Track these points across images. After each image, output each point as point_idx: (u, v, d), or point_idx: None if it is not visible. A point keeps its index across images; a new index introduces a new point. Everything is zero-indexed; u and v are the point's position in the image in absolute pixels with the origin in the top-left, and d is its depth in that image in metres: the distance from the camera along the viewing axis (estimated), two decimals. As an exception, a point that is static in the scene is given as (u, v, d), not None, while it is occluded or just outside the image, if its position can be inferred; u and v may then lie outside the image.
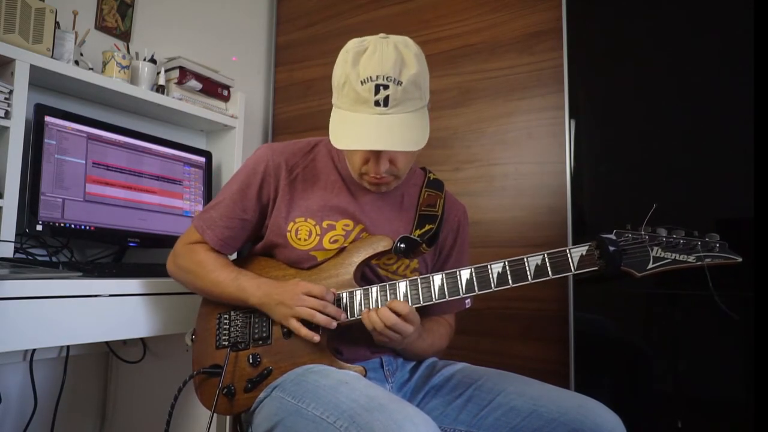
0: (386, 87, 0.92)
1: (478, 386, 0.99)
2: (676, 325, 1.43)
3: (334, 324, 0.98)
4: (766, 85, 1.31)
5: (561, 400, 0.91)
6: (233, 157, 1.96)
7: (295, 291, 0.99)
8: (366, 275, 1.08)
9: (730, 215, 1.38)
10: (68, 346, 1.57)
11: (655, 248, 0.88)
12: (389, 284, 1.00)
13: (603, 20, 1.60)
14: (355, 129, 0.94)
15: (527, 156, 1.70)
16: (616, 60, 1.56)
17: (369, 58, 0.94)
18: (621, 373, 1.54)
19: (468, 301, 1.16)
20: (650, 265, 0.88)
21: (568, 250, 0.90)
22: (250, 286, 1.04)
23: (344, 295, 1.01)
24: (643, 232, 0.89)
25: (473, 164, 1.79)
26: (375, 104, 0.93)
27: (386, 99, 0.93)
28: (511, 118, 1.73)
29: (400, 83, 0.93)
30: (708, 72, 1.44)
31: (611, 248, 0.87)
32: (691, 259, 0.86)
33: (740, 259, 0.86)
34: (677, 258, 0.87)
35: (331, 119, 0.99)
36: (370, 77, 0.93)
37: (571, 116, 1.62)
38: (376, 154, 0.98)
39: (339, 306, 1.01)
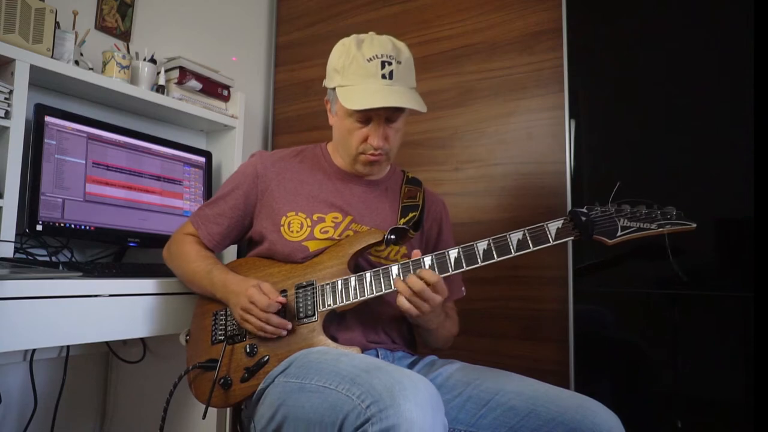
0: (390, 63, 1.06)
1: (476, 386, 1.00)
2: (676, 325, 1.43)
3: (283, 332, 1.03)
4: (766, 85, 1.31)
5: (560, 400, 0.91)
6: (233, 157, 1.96)
7: (243, 297, 1.02)
8: (358, 263, 1.13)
9: (730, 215, 1.38)
10: (68, 346, 1.57)
11: (622, 219, 0.97)
12: (382, 269, 1.04)
13: (603, 20, 1.60)
14: (368, 94, 1.05)
15: (527, 156, 1.70)
16: (616, 60, 1.56)
17: (370, 42, 1.09)
18: (621, 373, 1.54)
19: (463, 288, 1.25)
20: (619, 233, 0.97)
21: (545, 225, 1.00)
22: (218, 281, 1.10)
23: (339, 282, 1.06)
24: (610, 206, 0.99)
25: (473, 164, 1.79)
26: (382, 77, 1.06)
27: (391, 73, 1.06)
28: (511, 118, 1.73)
29: (399, 62, 1.08)
30: (708, 72, 1.44)
31: (583, 218, 0.97)
32: (653, 226, 0.96)
33: (695, 225, 0.95)
34: (641, 226, 0.96)
35: (339, 95, 1.08)
36: (376, 55, 1.07)
37: (571, 116, 1.62)
38: (376, 129, 1.08)
39: (335, 291, 1.05)
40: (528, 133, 1.71)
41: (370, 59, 1.06)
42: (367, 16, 2.06)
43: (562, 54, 1.64)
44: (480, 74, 1.80)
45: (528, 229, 1.00)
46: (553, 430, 0.88)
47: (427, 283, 0.97)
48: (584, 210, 0.99)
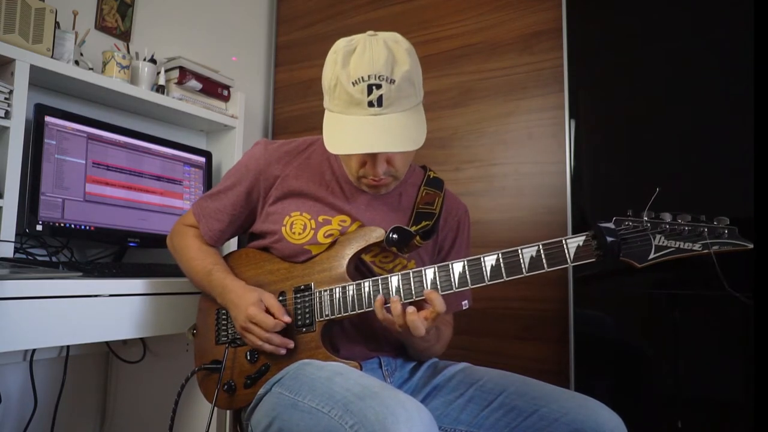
0: (379, 86, 0.90)
1: (479, 386, 0.99)
2: (676, 325, 1.43)
3: (282, 351, 1.00)
4: (766, 85, 1.31)
5: (562, 401, 0.91)
6: (233, 157, 1.96)
7: (245, 315, 0.99)
8: (362, 273, 1.07)
9: (730, 215, 1.38)
10: (68, 346, 1.57)
11: (658, 236, 0.82)
12: (381, 278, 0.98)
13: (603, 20, 1.60)
14: (350, 132, 0.92)
15: (527, 156, 1.70)
16: (616, 60, 1.56)
17: (359, 57, 0.92)
18: (621, 373, 1.54)
19: (465, 302, 1.15)
20: (652, 255, 0.82)
21: (564, 241, 0.86)
22: (218, 285, 1.07)
23: (337, 290, 1.01)
24: (645, 218, 0.83)
25: (473, 164, 1.79)
26: (369, 105, 0.91)
27: (380, 99, 0.91)
28: (511, 118, 1.73)
29: (393, 81, 0.91)
30: (708, 72, 1.44)
31: (609, 239, 0.81)
32: (697, 247, 0.79)
33: (751, 246, 0.79)
34: (681, 246, 0.80)
35: (324, 123, 0.98)
36: (362, 77, 0.91)
37: (571, 116, 1.62)
38: (373, 157, 0.97)
39: (332, 300, 1.01)
40: (528, 133, 1.71)
41: (356, 82, 0.91)
42: (368, 16, 2.06)
43: (562, 54, 1.64)
44: (480, 74, 1.80)
45: (543, 245, 0.87)
46: (555, 430, 0.88)
47: (430, 305, 0.90)
48: (611, 225, 0.83)
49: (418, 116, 0.97)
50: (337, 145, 0.93)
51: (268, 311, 1.00)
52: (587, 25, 1.62)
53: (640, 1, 1.55)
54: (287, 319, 0.99)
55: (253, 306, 0.98)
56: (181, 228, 1.21)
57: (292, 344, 1.00)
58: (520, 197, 1.70)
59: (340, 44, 0.96)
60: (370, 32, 0.96)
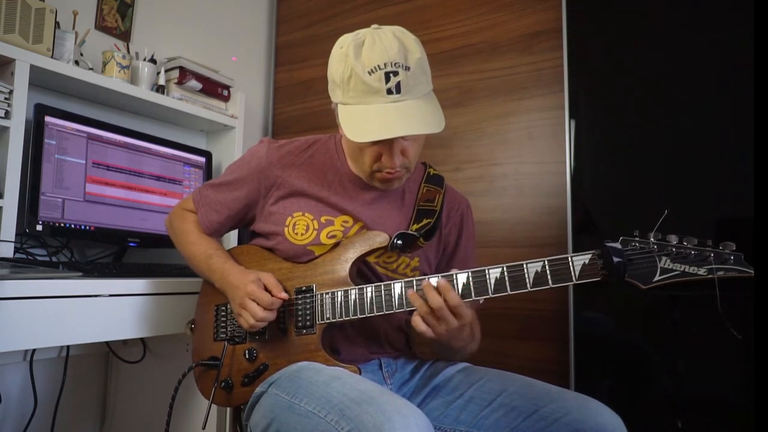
0: (396, 73, 0.91)
1: (479, 386, 0.99)
2: (676, 325, 1.43)
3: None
4: (766, 85, 1.31)
5: (562, 401, 0.90)
6: (233, 157, 1.96)
7: (243, 291, 0.99)
8: (364, 274, 1.07)
9: (730, 215, 1.38)
10: (68, 346, 1.57)
11: (664, 258, 0.82)
12: (384, 284, 0.97)
13: (603, 20, 1.60)
14: (373, 120, 0.91)
15: (527, 156, 1.70)
16: (616, 60, 1.56)
17: (371, 47, 0.92)
18: (621, 373, 1.54)
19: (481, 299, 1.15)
20: (657, 278, 0.82)
21: (569, 258, 0.86)
22: (217, 269, 1.07)
23: (339, 293, 1.00)
24: (652, 240, 0.83)
25: (473, 164, 1.79)
26: (387, 92, 0.91)
27: (398, 85, 0.91)
28: (511, 118, 1.73)
29: (408, 68, 0.92)
30: (708, 72, 1.44)
31: (616, 259, 0.82)
32: (701, 271, 0.80)
33: (752, 272, 0.81)
34: (687, 270, 0.81)
35: (341, 118, 0.96)
36: (378, 66, 0.91)
37: (571, 116, 1.62)
38: (389, 148, 0.96)
39: (334, 304, 1.00)
40: (528, 133, 1.71)
41: (372, 71, 0.91)
42: (367, 16, 2.06)
43: (562, 54, 1.64)
44: (480, 74, 1.80)
45: (549, 261, 0.87)
46: (556, 430, 0.88)
47: (446, 302, 0.88)
48: (618, 245, 0.83)
49: (434, 102, 0.98)
50: (362, 133, 0.92)
51: (266, 290, 1.00)
52: (587, 25, 1.62)
53: (640, 2, 1.55)
54: (284, 295, 0.99)
55: (252, 283, 0.98)
56: (181, 212, 1.21)
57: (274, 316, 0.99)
58: (520, 197, 1.70)
59: (347, 39, 0.97)
60: (375, 26, 0.97)
